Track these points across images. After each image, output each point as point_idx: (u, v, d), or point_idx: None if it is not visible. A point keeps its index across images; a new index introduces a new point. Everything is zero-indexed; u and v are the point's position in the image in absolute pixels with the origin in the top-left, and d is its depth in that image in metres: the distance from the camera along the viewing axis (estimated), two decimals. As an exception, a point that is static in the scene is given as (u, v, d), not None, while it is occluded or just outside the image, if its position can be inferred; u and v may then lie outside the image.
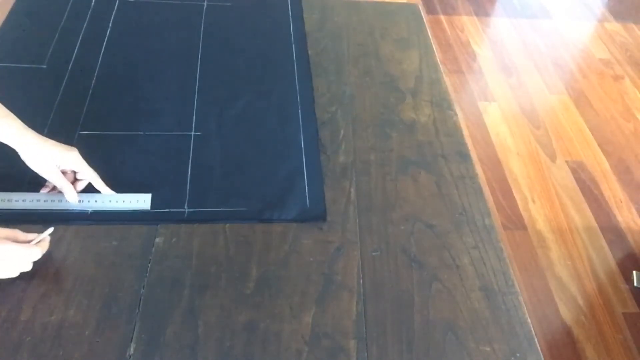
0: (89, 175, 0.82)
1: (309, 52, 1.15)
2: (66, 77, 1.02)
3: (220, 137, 0.95)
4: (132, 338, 0.68)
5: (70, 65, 1.05)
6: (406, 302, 0.75)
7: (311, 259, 0.79)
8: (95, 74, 1.04)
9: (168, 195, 0.85)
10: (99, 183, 0.82)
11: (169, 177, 0.87)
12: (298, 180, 0.89)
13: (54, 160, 0.78)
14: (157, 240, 0.79)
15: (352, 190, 0.89)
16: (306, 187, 0.88)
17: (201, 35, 1.15)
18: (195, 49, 1.12)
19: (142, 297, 0.72)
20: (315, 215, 0.85)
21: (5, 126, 0.77)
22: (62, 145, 0.80)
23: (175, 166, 0.89)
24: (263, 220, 0.83)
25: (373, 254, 0.81)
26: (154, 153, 0.91)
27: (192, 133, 0.95)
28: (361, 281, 0.77)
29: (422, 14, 1.31)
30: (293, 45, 1.16)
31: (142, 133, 0.94)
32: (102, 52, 1.09)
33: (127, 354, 0.67)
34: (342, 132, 0.99)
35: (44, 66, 1.04)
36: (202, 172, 0.89)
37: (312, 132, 0.98)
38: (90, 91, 1.00)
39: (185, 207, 0.84)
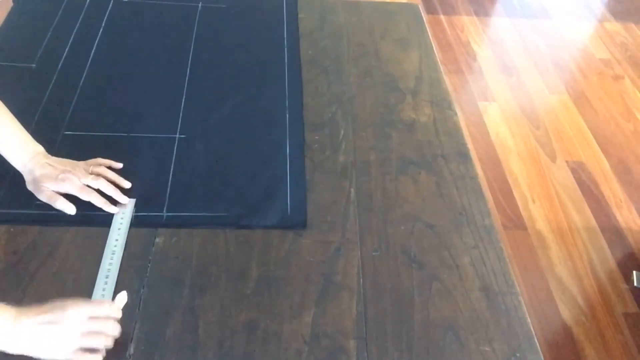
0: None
1: (309, 52, 1.15)
2: (55, 76, 1.02)
3: (205, 140, 0.94)
4: (132, 338, 0.68)
5: (60, 65, 1.04)
6: (406, 302, 0.75)
7: (311, 259, 0.79)
8: (84, 74, 1.03)
9: (147, 198, 0.83)
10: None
11: (150, 181, 0.86)
12: (281, 186, 0.88)
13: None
14: (157, 240, 0.79)
15: (352, 190, 0.89)
16: (288, 194, 0.87)
17: (193, 37, 1.14)
18: (187, 50, 1.11)
19: (142, 297, 0.72)
20: (296, 222, 0.83)
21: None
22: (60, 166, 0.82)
23: (156, 169, 0.88)
24: (242, 226, 0.82)
25: (373, 254, 0.81)
26: (136, 155, 0.90)
27: (177, 136, 0.94)
28: (361, 281, 0.77)
29: (422, 14, 1.31)
30: (285, 49, 1.15)
31: (125, 135, 0.93)
32: (92, 52, 1.08)
33: (127, 354, 0.67)
34: (342, 132, 0.99)
35: (34, 65, 1.04)
36: (184, 175, 0.88)
37: (299, 138, 0.96)
38: (78, 91, 1.00)
39: (164, 211, 0.82)
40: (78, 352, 0.63)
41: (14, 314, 0.61)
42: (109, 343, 0.65)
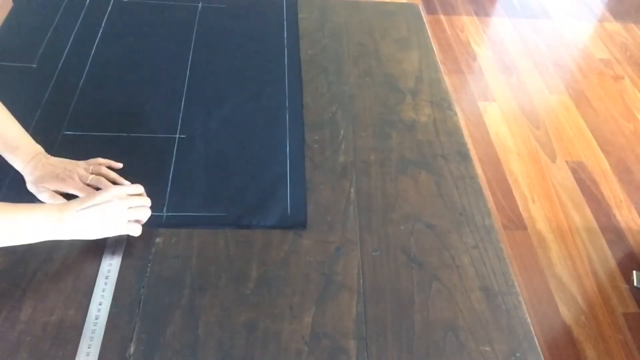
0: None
1: (309, 52, 1.15)
2: (55, 76, 1.02)
3: (205, 140, 0.94)
4: (132, 338, 0.68)
5: (60, 64, 1.04)
6: (406, 302, 0.75)
7: (311, 259, 0.79)
8: (85, 74, 1.03)
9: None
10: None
11: (150, 181, 0.85)
12: (281, 186, 0.88)
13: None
14: (157, 240, 0.79)
15: (352, 190, 0.89)
16: (288, 194, 0.87)
17: (194, 37, 1.14)
18: (187, 50, 1.11)
19: (142, 297, 0.72)
20: (296, 222, 0.83)
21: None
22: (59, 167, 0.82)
23: (156, 169, 0.88)
24: (242, 226, 0.82)
25: (373, 254, 0.81)
26: (136, 155, 0.90)
27: (177, 136, 0.94)
28: (361, 281, 0.77)
29: (422, 14, 1.31)
30: (285, 49, 1.15)
31: (125, 135, 0.93)
32: (92, 52, 1.08)
33: (127, 354, 0.67)
34: (342, 132, 0.99)
35: (34, 65, 1.04)
36: (183, 175, 0.88)
37: (299, 137, 0.96)
38: (78, 91, 0.99)
39: (164, 211, 0.82)
40: (129, 224, 0.75)
41: (57, 213, 0.70)
42: (149, 214, 0.78)
